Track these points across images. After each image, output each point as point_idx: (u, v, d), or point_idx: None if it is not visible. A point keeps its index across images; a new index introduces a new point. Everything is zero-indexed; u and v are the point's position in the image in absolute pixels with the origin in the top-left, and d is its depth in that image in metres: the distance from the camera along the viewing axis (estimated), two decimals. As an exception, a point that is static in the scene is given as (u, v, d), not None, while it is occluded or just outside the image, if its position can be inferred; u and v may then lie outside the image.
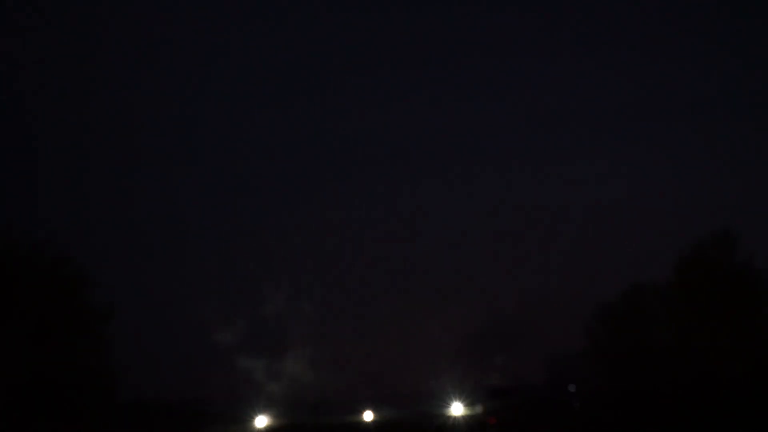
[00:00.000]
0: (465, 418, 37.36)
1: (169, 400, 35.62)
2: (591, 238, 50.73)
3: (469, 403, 41.89)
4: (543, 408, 36.13)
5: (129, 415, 29.87)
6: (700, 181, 51.05)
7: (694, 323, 29.69)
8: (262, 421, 38.75)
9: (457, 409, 39.93)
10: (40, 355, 24.98)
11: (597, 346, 35.68)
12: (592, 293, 38.09)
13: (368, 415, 40.10)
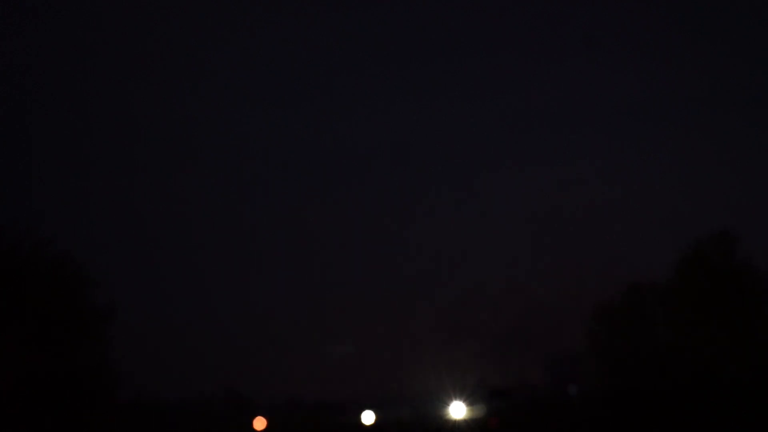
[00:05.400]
0: (467, 420, 37.35)
1: (169, 399, 35.69)
2: (590, 238, 50.63)
3: (470, 404, 41.91)
4: (544, 408, 36.16)
5: (130, 414, 29.92)
6: (700, 181, 50.98)
7: (693, 324, 29.73)
8: (260, 422, 38.75)
9: (458, 409, 39.90)
10: (40, 354, 24.97)
11: (597, 347, 35.73)
12: (592, 294, 38.06)
13: (368, 416, 40.05)
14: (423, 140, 60.16)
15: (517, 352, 48.40)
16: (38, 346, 24.91)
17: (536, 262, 51.03)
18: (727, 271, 29.11)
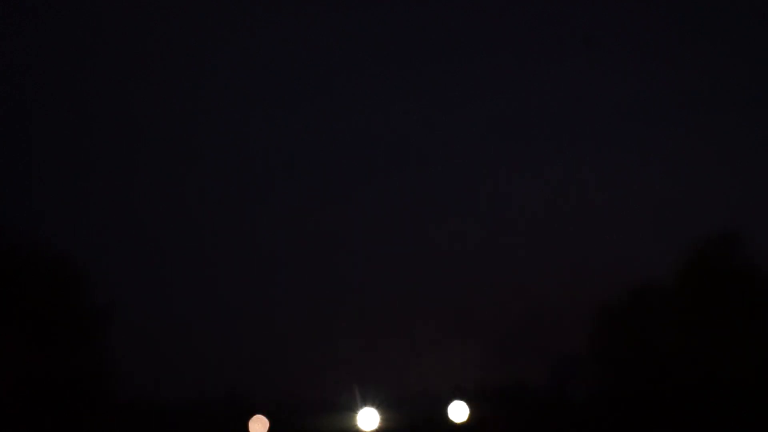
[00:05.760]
0: (466, 421, 37.25)
1: (168, 400, 35.56)
2: (592, 239, 50.59)
3: (469, 405, 41.80)
4: (544, 409, 36.14)
5: (129, 415, 29.84)
6: (702, 181, 50.90)
7: (698, 325, 29.68)
8: (260, 421, 38.61)
9: (457, 410, 39.78)
10: (39, 355, 24.96)
11: (599, 348, 35.63)
12: (594, 295, 37.98)
13: (369, 418, 39.91)
14: (423, 141, 60.08)
15: (517, 353, 48.18)
16: (37, 347, 24.89)
17: (538, 263, 50.85)
18: (730, 272, 29.10)
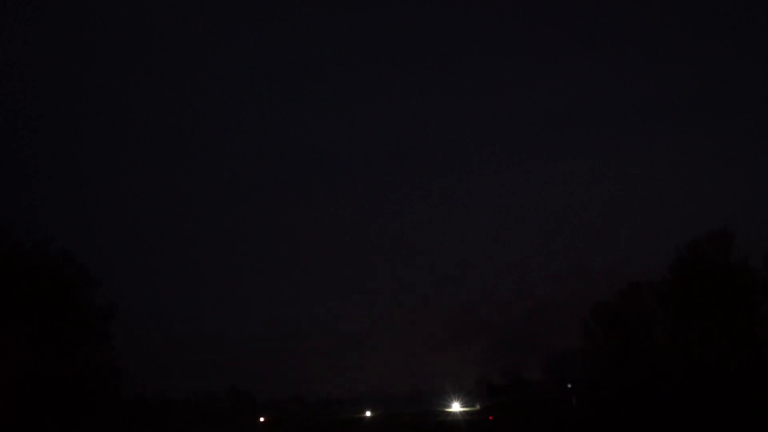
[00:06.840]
0: (464, 415, 37.80)
1: (171, 397, 35.95)
2: (589, 237, 51.16)
3: (467, 402, 42.37)
4: (541, 405, 36.57)
5: (132, 412, 30.16)
6: (698, 181, 51.57)
7: (690, 322, 30.11)
8: (261, 418, 39.08)
9: (456, 407, 40.34)
10: (42, 353, 25.18)
11: (594, 345, 36.16)
12: (592, 293, 38.63)
13: (368, 412, 40.45)
14: (423, 141, 60.62)
15: (515, 349, 48.75)
16: (40, 345, 25.12)
17: (537, 263, 51.55)
18: (723, 269, 29.48)
